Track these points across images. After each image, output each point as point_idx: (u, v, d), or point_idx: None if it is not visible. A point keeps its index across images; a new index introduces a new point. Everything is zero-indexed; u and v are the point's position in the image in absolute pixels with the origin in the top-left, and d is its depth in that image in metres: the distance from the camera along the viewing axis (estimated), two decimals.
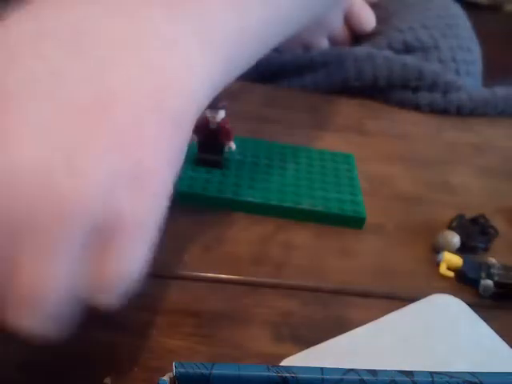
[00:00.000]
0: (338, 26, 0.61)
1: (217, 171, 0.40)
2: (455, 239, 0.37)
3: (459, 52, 0.58)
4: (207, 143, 0.39)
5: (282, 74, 0.57)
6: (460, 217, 0.39)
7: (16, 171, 0.18)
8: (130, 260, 0.21)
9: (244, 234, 0.36)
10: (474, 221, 0.39)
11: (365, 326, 0.29)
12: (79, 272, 0.19)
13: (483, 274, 0.34)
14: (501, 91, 0.57)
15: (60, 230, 0.18)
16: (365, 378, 0.21)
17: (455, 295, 0.31)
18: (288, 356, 0.27)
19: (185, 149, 0.24)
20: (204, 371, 0.21)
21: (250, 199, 0.38)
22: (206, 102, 0.26)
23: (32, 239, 0.18)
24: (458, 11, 0.64)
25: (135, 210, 0.20)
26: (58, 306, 0.19)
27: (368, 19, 0.61)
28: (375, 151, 0.48)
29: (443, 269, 0.36)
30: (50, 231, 0.18)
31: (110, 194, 0.19)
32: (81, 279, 0.19)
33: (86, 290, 0.20)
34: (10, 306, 0.18)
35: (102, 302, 0.21)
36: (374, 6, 0.63)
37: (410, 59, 0.56)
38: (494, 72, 0.67)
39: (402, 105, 0.56)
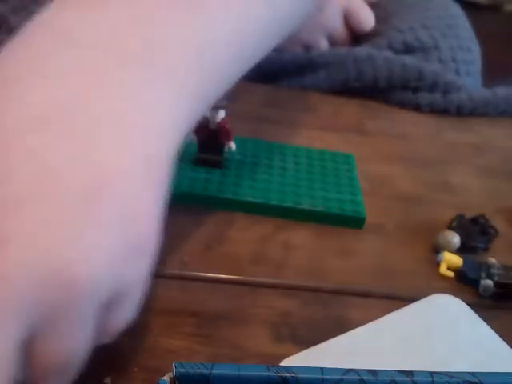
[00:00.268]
0: (337, 27, 0.61)
1: (217, 171, 0.40)
2: (455, 239, 0.37)
3: (459, 52, 0.58)
4: (207, 143, 0.39)
5: (282, 74, 0.57)
6: (460, 217, 0.39)
7: (39, 269, 0.19)
8: (130, 311, 0.23)
9: (244, 234, 0.36)
10: (474, 221, 0.39)
11: (365, 326, 0.29)
12: (92, 331, 0.21)
13: (483, 274, 0.34)
14: (501, 91, 0.57)
15: (80, 310, 0.20)
16: (365, 378, 0.21)
17: (455, 295, 0.32)
18: (288, 356, 0.27)
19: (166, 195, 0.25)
20: (204, 371, 0.21)
21: (249, 199, 0.38)
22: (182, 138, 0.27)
23: (56, 322, 0.20)
24: (458, 11, 0.64)
25: (136, 276, 0.23)
26: (77, 365, 0.22)
27: (367, 19, 0.61)
28: (375, 151, 0.48)
29: (443, 269, 0.36)
30: (71, 313, 0.20)
31: (117, 270, 0.21)
32: (92, 335, 0.21)
33: (94, 339, 0.22)
34: (37, 378, 0.21)
35: (103, 342, 0.23)
36: (373, 6, 0.63)
37: (409, 60, 0.56)
38: (493, 72, 0.67)
39: (402, 105, 0.56)
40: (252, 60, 0.33)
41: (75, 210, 0.20)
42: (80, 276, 0.20)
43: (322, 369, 0.22)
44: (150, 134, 0.23)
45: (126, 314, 0.23)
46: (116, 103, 0.23)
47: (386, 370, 0.22)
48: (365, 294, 0.33)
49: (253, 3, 0.30)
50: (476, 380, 0.22)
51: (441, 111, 0.56)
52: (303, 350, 0.28)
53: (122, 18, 0.24)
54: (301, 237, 0.37)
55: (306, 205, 0.38)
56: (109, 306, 0.22)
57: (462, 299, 0.31)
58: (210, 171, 0.40)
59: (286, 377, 0.21)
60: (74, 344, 0.21)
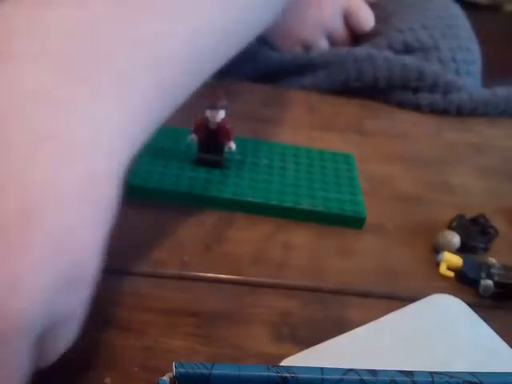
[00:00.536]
0: (337, 27, 0.61)
1: (217, 171, 0.40)
2: (455, 239, 0.37)
3: (459, 52, 0.58)
4: (207, 143, 0.39)
5: (282, 74, 0.57)
6: (460, 217, 0.39)
7: None
8: (69, 337, 0.22)
9: (244, 234, 0.36)
10: (474, 221, 0.39)
11: (365, 326, 0.29)
12: (27, 360, 0.20)
13: (483, 274, 0.34)
14: (501, 91, 0.57)
15: (12, 344, 0.19)
16: (365, 378, 0.21)
17: (455, 295, 0.31)
18: (288, 356, 0.27)
19: (113, 214, 0.23)
20: (204, 371, 0.21)
21: (249, 199, 0.38)
22: (134, 151, 0.25)
23: None
24: (458, 11, 0.64)
25: (74, 305, 0.22)
26: None
27: (367, 19, 0.61)
28: (375, 151, 0.48)
29: (443, 269, 0.36)
30: (2, 347, 0.19)
31: (53, 302, 0.20)
32: (27, 363, 0.21)
33: (31, 366, 0.21)
34: None
35: (42, 367, 0.22)
36: (373, 6, 0.63)
37: (410, 60, 0.56)
38: (493, 72, 0.67)
39: (402, 105, 0.56)
40: (216, 61, 0.32)
41: (3, 238, 0.19)
42: (11, 312, 0.19)
43: (322, 369, 0.22)
44: (93, 150, 0.22)
45: (64, 341, 0.22)
46: (56, 118, 0.21)
47: (386, 370, 0.22)
48: (365, 294, 0.33)
49: (211, 3, 0.30)
50: (476, 380, 0.22)
51: (441, 111, 0.56)
52: (303, 350, 0.28)
53: (74, 21, 0.23)
54: (301, 237, 0.37)
55: (305, 205, 0.38)
56: (45, 334, 0.21)
57: (462, 299, 0.31)
58: (210, 171, 0.40)
59: (285, 377, 0.21)
60: (7, 374, 0.20)
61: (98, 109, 0.23)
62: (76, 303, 0.22)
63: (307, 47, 0.60)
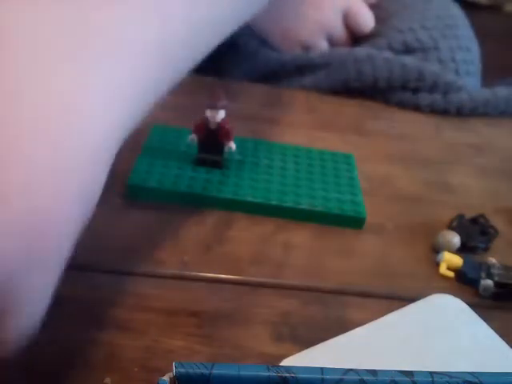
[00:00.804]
0: (337, 28, 0.61)
1: (217, 171, 0.40)
2: (455, 239, 0.37)
3: (459, 52, 0.58)
4: (207, 143, 0.39)
5: (282, 74, 0.57)
6: (460, 217, 0.39)
7: None
8: (26, 326, 0.22)
9: (244, 234, 0.36)
10: (474, 221, 0.39)
11: (365, 326, 0.29)
12: None
13: (483, 274, 0.35)
14: (501, 91, 0.57)
15: None
16: (365, 378, 0.21)
17: (455, 295, 0.31)
18: (288, 356, 0.27)
19: (100, 189, 0.23)
20: (204, 371, 0.21)
21: (249, 199, 0.38)
22: (129, 126, 0.25)
23: None
24: (458, 11, 0.64)
25: (31, 289, 0.21)
26: None
27: (366, 20, 0.61)
28: (375, 151, 0.48)
29: (443, 269, 0.36)
30: None
31: (7, 275, 0.20)
32: None
33: None
34: None
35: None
36: (373, 7, 0.63)
37: (409, 60, 0.56)
38: (493, 72, 0.67)
39: (402, 105, 0.56)
40: (205, 48, 0.32)
41: None
42: None
43: (322, 369, 0.22)
44: (81, 137, 0.21)
45: (20, 328, 0.21)
46: (44, 85, 0.20)
47: (385, 370, 0.22)
48: (365, 294, 0.33)
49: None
50: (476, 380, 0.22)
51: (441, 111, 0.56)
52: (303, 350, 0.28)
53: (67, 15, 0.23)
54: (301, 237, 0.37)
55: (305, 205, 0.38)
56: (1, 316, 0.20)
57: (462, 299, 0.31)
58: (210, 171, 0.40)
59: (285, 377, 0.21)
60: None
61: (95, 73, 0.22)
62: (37, 284, 0.21)
63: (307, 48, 0.60)
